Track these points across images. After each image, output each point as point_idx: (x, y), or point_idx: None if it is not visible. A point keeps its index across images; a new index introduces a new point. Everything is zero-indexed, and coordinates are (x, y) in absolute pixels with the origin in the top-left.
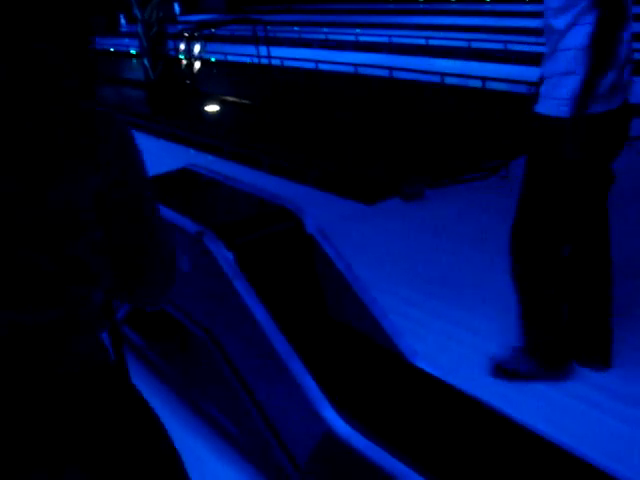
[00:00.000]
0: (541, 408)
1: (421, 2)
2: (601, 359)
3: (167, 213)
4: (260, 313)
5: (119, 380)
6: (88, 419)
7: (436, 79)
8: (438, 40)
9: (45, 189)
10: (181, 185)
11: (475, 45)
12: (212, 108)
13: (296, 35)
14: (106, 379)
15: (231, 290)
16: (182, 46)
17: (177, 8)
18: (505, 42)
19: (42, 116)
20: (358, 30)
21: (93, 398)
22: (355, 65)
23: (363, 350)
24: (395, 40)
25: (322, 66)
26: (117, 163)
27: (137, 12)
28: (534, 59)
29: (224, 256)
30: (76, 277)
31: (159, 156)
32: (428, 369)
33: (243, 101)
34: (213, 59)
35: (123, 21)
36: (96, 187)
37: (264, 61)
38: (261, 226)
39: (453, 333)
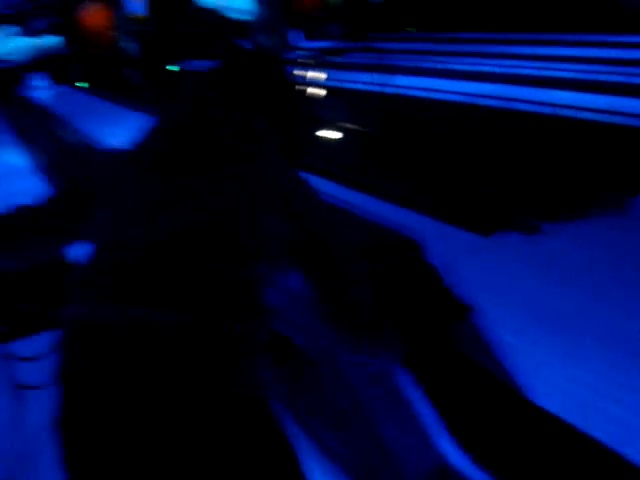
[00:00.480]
0: None
1: (541, 32)
2: None
3: None
4: None
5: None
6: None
7: (551, 110)
8: (557, 71)
9: None
10: None
11: (592, 77)
12: (328, 134)
13: (413, 63)
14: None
15: None
16: (301, 73)
17: (300, 36)
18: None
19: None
20: (477, 59)
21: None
22: (471, 95)
23: (483, 384)
24: (513, 71)
25: (439, 95)
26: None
27: (259, 39)
28: None
29: None
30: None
31: None
32: (552, 409)
33: (359, 128)
34: (330, 85)
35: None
36: None
37: (382, 89)
38: (383, 255)
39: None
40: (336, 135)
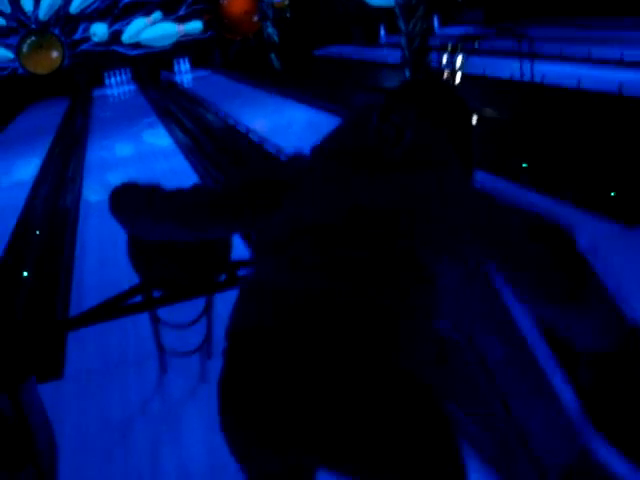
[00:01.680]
0: None
1: None
2: None
3: None
4: (524, 321)
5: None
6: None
7: None
8: None
9: None
10: None
11: None
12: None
13: (557, 50)
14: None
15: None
16: (445, 58)
17: (436, 21)
18: None
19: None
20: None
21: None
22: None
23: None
24: None
25: (585, 84)
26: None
27: (401, 24)
28: None
29: None
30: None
31: None
32: None
33: (497, 116)
34: (472, 72)
35: (383, 32)
36: None
37: (524, 75)
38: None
39: None
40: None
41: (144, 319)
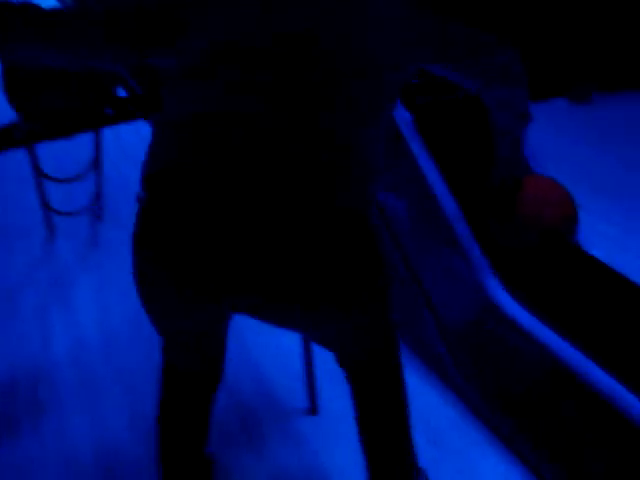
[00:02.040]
0: None
1: None
2: None
3: None
4: (432, 175)
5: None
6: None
7: None
8: None
9: None
10: None
11: None
12: None
13: None
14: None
15: (406, 152)
16: None
17: None
18: None
19: None
20: None
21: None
22: None
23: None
24: None
25: None
26: None
27: None
28: None
29: (403, 117)
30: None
31: None
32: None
33: None
34: None
35: None
36: None
37: None
38: (443, 91)
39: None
40: None
41: (28, 184)
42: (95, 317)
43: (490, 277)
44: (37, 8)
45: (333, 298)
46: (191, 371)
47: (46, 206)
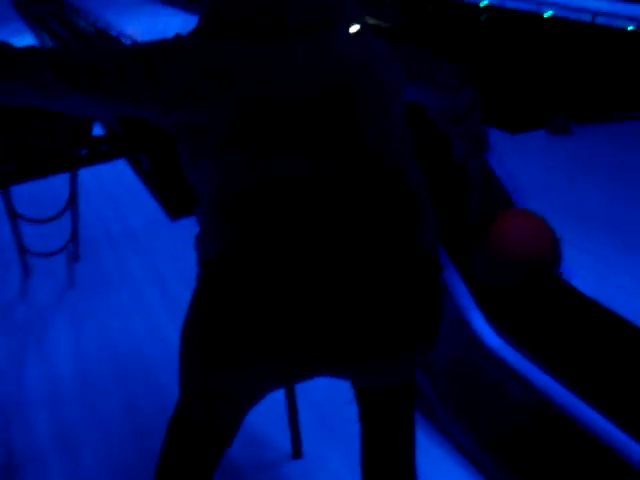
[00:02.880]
0: None
1: None
2: None
3: None
4: None
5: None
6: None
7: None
8: None
9: None
10: None
11: None
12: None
13: None
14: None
15: None
16: None
17: None
18: None
19: None
20: None
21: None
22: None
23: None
24: None
25: None
26: None
27: None
28: None
29: None
30: None
31: None
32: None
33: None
34: None
35: None
36: None
37: None
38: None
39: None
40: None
41: (3, 223)
42: (70, 357)
43: (475, 313)
44: (9, 47)
45: (424, 338)
46: (216, 427)
47: (21, 247)
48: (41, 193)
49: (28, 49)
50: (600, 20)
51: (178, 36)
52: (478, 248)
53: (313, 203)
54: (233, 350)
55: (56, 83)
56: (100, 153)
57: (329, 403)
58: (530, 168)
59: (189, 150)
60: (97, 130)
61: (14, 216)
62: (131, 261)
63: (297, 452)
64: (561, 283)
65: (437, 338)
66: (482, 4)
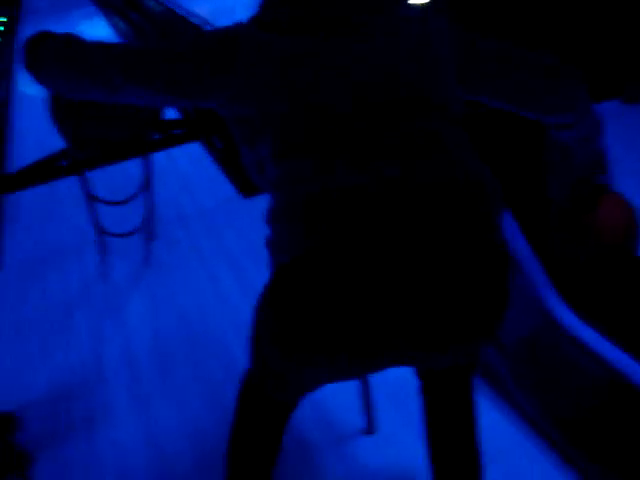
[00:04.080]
0: None
1: None
2: None
3: None
4: None
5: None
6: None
7: None
8: None
9: None
10: None
11: None
12: None
13: None
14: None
15: None
16: None
17: None
18: None
19: None
20: None
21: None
22: None
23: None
24: None
25: None
26: None
27: None
28: None
29: None
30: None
31: None
32: None
33: None
34: None
35: None
36: None
37: None
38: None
39: None
40: None
41: (81, 205)
42: (147, 335)
43: (550, 292)
44: (80, 42)
45: (492, 327)
46: (288, 401)
47: (98, 228)
48: (116, 176)
49: (98, 46)
50: None
51: (241, 26)
52: (570, 230)
53: (387, 208)
54: (311, 346)
55: (125, 83)
56: (173, 136)
57: (402, 379)
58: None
59: (249, 145)
60: (170, 113)
61: (91, 198)
62: (204, 240)
63: (370, 428)
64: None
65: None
66: None
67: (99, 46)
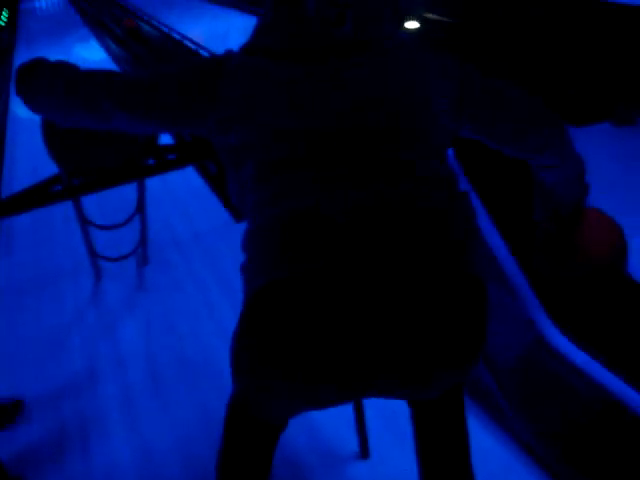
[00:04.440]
0: None
1: None
2: None
3: None
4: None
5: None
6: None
7: None
8: None
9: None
10: None
11: None
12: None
13: None
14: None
15: None
16: None
17: None
18: None
19: None
20: None
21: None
22: None
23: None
24: None
25: None
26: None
27: None
28: None
29: None
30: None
31: None
32: None
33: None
34: None
35: None
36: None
37: None
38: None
39: None
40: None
41: (75, 229)
42: (141, 358)
43: (540, 312)
44: (70, 68)
45: (468, 358)
46: (274, 423)
47: (92, 252)
48: (110, 199)
49: (88, 74)
50: None
51: (229, 53)
52: (555, 252)
53: (355, 235)
54: (285, 372)
55: (114, 110)
56: (167, 162)
57: (396, 403)
58: (595, 162)
59: (233, 173)
60: (164, 139)
61: (84, 222)
62: (199, 263)
63: (364, 452)
64: (628, 281)
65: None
66: None
67: (89, 74)
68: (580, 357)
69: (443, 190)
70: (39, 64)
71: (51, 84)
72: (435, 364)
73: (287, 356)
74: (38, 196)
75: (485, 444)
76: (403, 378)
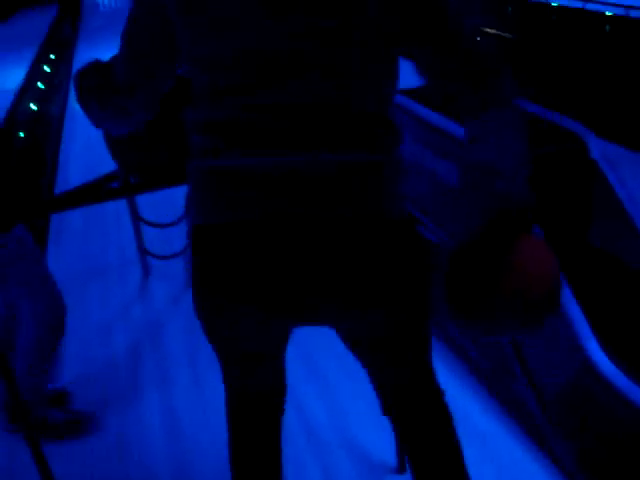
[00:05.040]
0: None
1: None
2: None
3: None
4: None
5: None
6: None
7: None
8: None
9: None
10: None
11: None
12: None
13: None
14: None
15: None
16: None
17: None
18: None
19: None
20: None
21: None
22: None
23: (631, 284)
24: None
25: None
26: None
27: None
28: None
29: None
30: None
31: None
32: None
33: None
34: None
35: None
36: None
37: None
38: (540, 144)
39: None
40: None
41: (127, 224)
42: (184, 357)
43: (590, 338)
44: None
45: (377, 291)
46: (256, 391)
47: (142, 249)
48: (161, 199)
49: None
50: None
51: None
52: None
53: (276, 187)
54: (218, 309)
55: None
56: None
57: None
58: None
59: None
60: None
61: (137, 219)
62: None
63: (402, 467)
64: None
65: (406, 297)
66: (608, 13)
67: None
68: (628, 384)
69: (374, 139)
70: (91, 70)
71: (96, 95)
72: (343, 292)
73: (218, 278)
74: (95, 193)
75: (528, 468)
76: (318, 305)
